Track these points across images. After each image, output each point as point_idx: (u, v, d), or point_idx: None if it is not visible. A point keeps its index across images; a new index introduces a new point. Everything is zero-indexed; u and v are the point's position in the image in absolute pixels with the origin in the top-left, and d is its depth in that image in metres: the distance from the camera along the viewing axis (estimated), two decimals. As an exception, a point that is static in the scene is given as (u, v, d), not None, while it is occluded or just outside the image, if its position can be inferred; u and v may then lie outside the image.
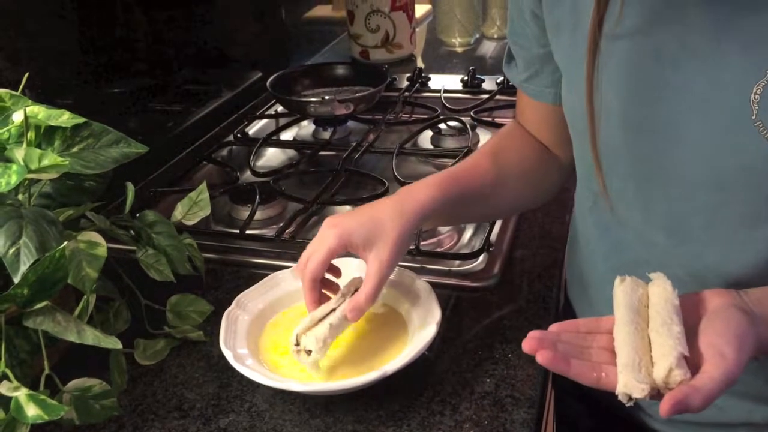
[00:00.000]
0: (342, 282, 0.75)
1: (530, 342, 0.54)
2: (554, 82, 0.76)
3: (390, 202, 0.72)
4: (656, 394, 0.51)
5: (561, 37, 0.69)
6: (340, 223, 0.70)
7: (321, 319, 0.70)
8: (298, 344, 0.69)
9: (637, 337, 0.54)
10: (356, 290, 0.71)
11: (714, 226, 0.63)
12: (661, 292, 0.58)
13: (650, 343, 0.54)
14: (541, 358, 0.52)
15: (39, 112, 0.72)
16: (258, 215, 1.04)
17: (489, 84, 1.49)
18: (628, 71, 0.62)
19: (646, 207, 0.67)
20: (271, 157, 1.30)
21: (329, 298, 0.73)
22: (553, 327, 0.57)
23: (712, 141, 0.59)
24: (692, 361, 0.52)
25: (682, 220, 0.65)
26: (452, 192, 0.74)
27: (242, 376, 0.69)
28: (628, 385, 0.51)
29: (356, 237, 0.69)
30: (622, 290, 0.59)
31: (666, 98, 0.60)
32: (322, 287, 0.73)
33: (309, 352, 0.68)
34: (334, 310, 0.70)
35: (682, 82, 0.59)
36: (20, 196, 0.71)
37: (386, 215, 0.70)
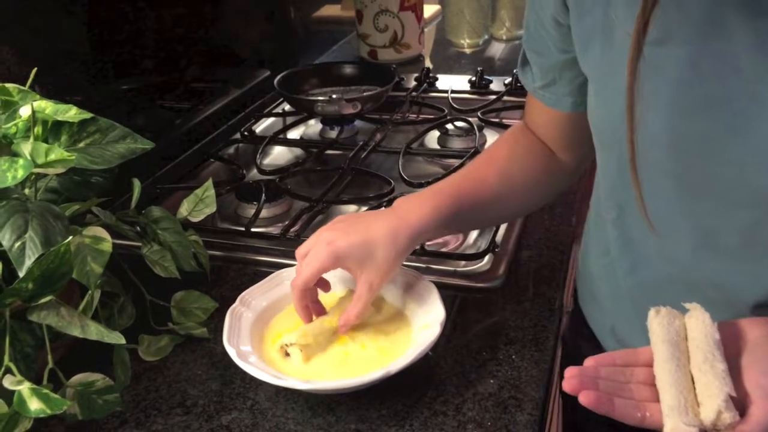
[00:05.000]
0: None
1: (571, 382, 0.52)
2: (573, 90, 0.74)
3: (384, 225, 0.73)
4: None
5: (591, 48, 0.66)
6: (335, 241, 0.71)
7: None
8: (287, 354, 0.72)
9: (679, 374, 0.53)
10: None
11: (747, 245, 0.61)
12: (699, 325, 0.56)
13: (693, 379, 0.53)
14: (586, 399, 0.51)
15: (46, 107, 0.72)
16: (264, 213, 1.04)
17: (497, 85, 1.49)
18: (667, 82, 0.59)
19: (676, 222, 0.64)
20: (278, 155, 1.30)
21: (315, 308, 0.77)
22: (589, 362, 0.55)
23: (752, 159, 0.57)
24: (737, 399, 0.51)
25: (712, 237, 0.63)
26: (449, 210, 0.75)
27: (245, 373, 0.69)
28: (676, 429, 0.50)
29: (350, 260, 0.72)
30: (658, 323, 0.57)
31: (705, 112, 0.58)
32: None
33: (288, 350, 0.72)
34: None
35: (722, 96, 0.57)
36: (26, 191, 0.72)
37: (380, 240, 0.72)
